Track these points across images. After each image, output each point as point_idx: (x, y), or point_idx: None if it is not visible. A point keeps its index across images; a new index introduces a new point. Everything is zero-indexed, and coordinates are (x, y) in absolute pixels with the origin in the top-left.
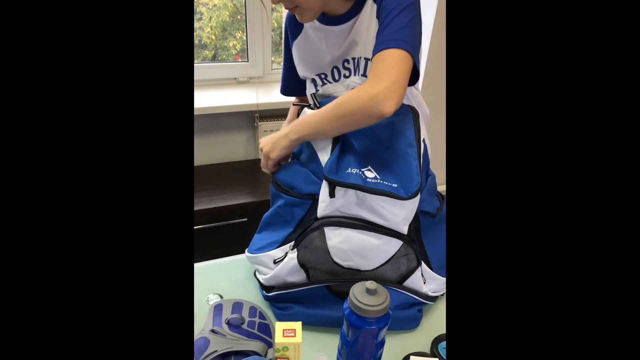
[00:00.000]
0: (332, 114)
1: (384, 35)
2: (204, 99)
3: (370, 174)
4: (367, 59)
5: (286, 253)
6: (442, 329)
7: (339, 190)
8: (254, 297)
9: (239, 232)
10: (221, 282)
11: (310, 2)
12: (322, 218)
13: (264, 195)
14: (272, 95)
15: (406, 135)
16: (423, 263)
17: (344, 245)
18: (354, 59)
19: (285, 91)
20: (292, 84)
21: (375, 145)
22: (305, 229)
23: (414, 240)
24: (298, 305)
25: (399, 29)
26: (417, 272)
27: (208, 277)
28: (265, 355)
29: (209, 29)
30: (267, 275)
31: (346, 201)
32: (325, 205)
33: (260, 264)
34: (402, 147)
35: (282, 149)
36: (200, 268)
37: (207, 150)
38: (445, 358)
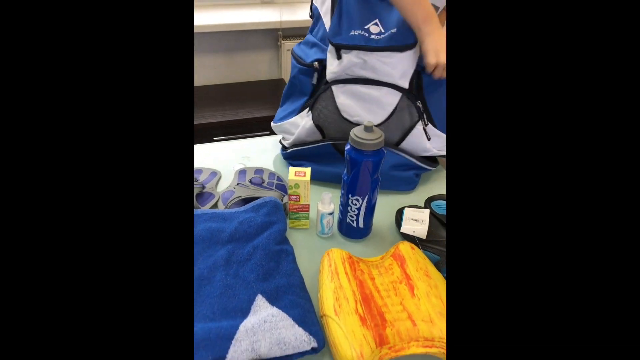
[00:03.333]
0: None
1: None
2: (229, 17)
3: (375, 29)
4: None
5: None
6: (437, 192)
7: (344, 53)
8: (274, 169)
9: None
10: (246, 154)
11: None
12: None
13: None
14: (297, 14)
15: None
16: (426, 119)
17: (350, 101)
18: None
19: None
20: None
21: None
22: (318, 93)
23: (416, 97)
24: (309, 162)
25: None
26: (419, 126)
27: (235, 150)
28: (282, 201)
29: None
30: (290, 140)
31: (351, 63)
32: (332, 68)
33: (284, 131)
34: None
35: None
36: (228, 144)
37: (232, 69)
38: (437, 212)
